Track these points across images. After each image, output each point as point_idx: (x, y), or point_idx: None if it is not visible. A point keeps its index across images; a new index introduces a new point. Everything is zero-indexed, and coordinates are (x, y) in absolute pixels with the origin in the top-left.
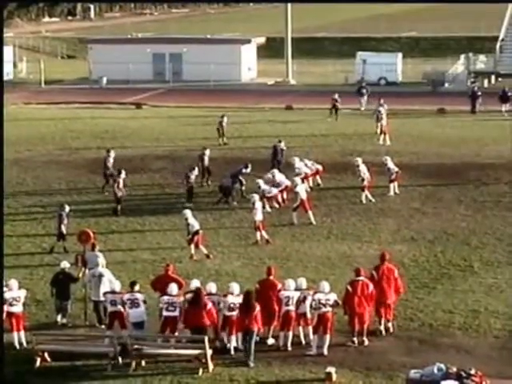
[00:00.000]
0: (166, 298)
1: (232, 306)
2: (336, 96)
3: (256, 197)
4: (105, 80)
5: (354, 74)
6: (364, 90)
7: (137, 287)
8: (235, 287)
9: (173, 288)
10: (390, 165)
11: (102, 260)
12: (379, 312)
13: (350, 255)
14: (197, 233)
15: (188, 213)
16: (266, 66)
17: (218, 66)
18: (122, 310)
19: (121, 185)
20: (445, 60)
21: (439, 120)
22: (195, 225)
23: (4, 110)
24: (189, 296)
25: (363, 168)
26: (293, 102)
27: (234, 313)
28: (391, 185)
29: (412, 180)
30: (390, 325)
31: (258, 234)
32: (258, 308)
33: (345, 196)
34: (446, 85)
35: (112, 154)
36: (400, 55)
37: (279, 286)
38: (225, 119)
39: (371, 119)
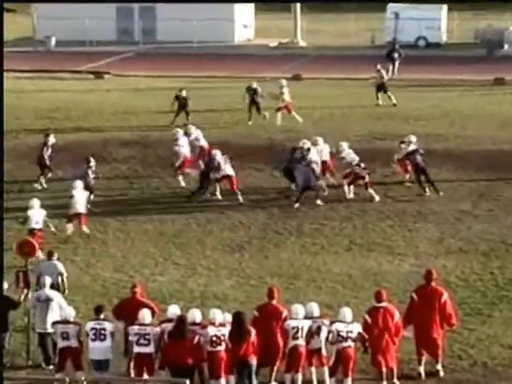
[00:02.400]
0: (136, 327)
1: (215, 339)
2: (254, 85)
3: (78, 183)
4: (53, 41)
5: (383, 33)
6: (396, 54)
7: (103, 315)
8: (217, 314)
9: (145, 315)
10: (348, 156)
11: (62, 269)
12: (419, 349)
13: (378, 272)
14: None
15: (35, 201)
16: (267, 23)
17: (203, 23)
18: (77, 344)
19: (90, 176)
20: (503, 15)
21: (496, 93)
22: (38, 220)
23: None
24: (167, 326)
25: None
26: (302, 69)
27: (220, 348)
28: (347, 184)
29: (459, 173)
30: (439, 366)
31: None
32: (253, 332)
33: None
34: (506, 47)
35: (51, 139)
36: (445, 8)
37: (285, 313)
38: (183, 93)
39: (404, 91)
